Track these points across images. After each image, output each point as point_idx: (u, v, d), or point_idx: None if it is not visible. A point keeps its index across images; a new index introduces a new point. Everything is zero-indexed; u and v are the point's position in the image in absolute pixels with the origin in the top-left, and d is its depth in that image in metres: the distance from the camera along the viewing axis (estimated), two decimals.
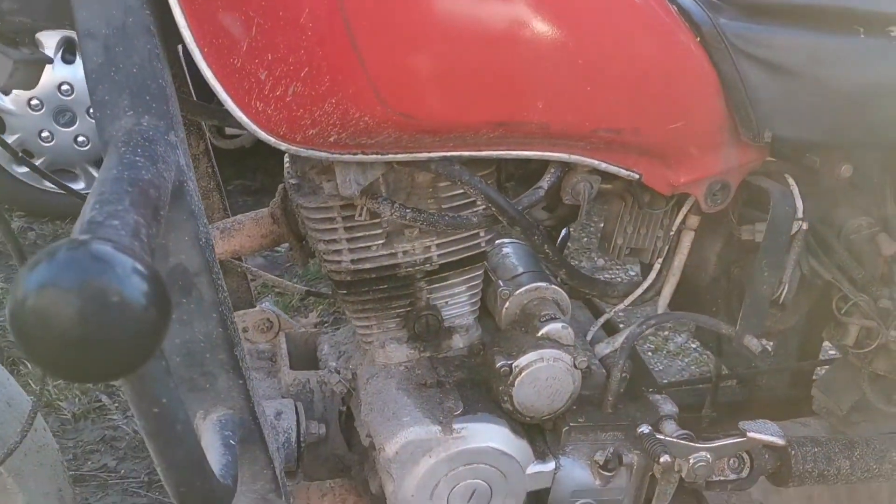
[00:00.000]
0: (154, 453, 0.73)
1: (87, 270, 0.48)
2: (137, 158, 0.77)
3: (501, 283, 1.26)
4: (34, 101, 3.07)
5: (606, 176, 1.18)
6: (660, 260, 1.29)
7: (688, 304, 1.39)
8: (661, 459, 1.08)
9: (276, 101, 0.94)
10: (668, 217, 1.27)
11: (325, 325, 2.61)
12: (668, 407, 1.23)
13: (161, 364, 0.69)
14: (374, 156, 1.01)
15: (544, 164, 1.15)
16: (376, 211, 1.09)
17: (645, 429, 1.13)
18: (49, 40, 2.97)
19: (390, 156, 1.01)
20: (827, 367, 1.68)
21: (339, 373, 1.26)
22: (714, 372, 1.78)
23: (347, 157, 1.00)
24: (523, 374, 1.15)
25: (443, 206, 1.13)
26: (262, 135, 0.97)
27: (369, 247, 1.14)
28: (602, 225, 1.30)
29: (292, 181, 1.16)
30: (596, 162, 1.11)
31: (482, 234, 1.18)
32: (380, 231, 1.14)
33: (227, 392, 0.99)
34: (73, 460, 2.13)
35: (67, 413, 2.28)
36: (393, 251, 1.15)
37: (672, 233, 1.27)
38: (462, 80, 0.97)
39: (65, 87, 3.07)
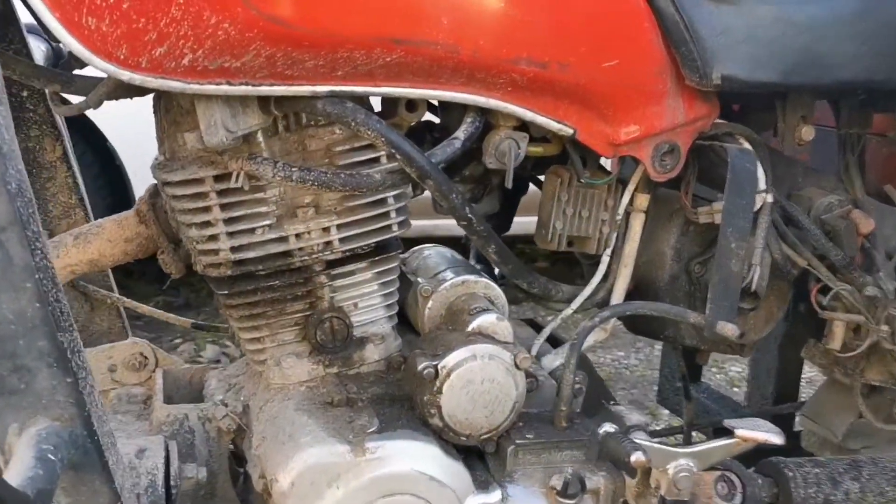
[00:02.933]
0: None
1: None
2: None
3: (422, 281, 1.04)
4: None
5: (534, 139, 1.01)
6: (608, 250, 1.09)
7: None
8: (633, 457, 0.84)
9: (110, 11, 0.76)
10: (612, 196, 1.09)
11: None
12: (636, 417, 1.00)
13: None
14: (244, 86, 0.81)
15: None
16: (255, 174, 0.88)
17: (609, 427, 0.90)
18: None
19: (264, 87, 0.82)
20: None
21: (226, 405, 1.01)
22: (686, 422, 1.56)
23: (209, 87, 0.80)
24: (452, 376, 0.92)
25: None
26: (99, 61, 0.78)
27: (253, 229, 0.93)
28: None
29: (158, 159, 0.95)
30: (521, 110, 0.94)
31: (393, 213, 0.97)
32: (265, 210, 0.92)
33: (49, 395, 0.76)
34: None
35: None
36: (283, 234, 0.93)
37: (619, 217, 1.08)
38: None
39: None
